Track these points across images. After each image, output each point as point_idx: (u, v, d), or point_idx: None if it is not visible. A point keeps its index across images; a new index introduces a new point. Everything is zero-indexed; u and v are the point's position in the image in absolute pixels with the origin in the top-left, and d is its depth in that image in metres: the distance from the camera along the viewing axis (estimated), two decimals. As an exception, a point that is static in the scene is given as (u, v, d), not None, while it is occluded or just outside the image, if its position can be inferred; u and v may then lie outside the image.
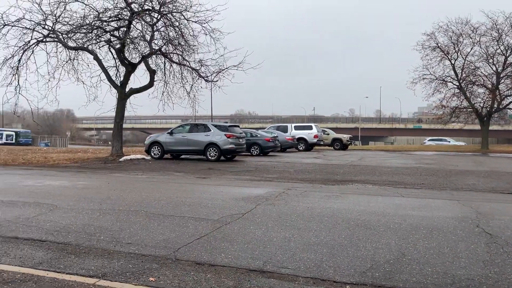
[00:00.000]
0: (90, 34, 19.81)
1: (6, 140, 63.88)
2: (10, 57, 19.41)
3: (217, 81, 20.68)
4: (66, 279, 4.41)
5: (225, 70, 20.35)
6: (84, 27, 19.43)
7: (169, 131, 21.11)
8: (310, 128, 33.11)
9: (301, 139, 32.19)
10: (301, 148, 32.04)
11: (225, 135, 19.81)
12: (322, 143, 34.22)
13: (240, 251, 5.41)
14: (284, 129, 32.50)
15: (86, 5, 19.31)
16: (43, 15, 19.20)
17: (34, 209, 7.97)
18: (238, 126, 22.84)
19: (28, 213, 7.63)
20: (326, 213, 7.88)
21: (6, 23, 18.86)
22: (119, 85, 20.89)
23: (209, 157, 19.76)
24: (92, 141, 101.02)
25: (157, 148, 20.76)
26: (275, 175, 14.56)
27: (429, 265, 4.90)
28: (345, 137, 36.80)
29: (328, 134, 36.73)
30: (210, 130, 20.08)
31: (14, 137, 65.36)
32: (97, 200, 8.93)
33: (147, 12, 19.99)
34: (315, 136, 32.32)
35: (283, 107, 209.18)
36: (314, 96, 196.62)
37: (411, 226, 6.82)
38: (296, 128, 33.19)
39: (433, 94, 42.31)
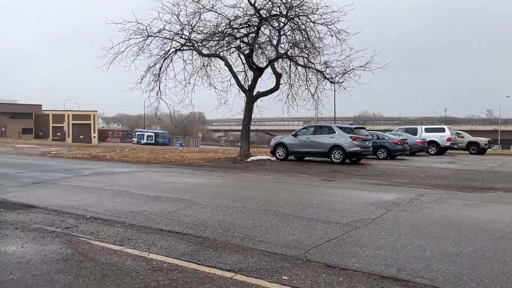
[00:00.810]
0: (222, 42, 21.01)
1: (147, 140, 70.61)
2: (153, 65, 21.43)
3: (342, 82, 20.43)
4: (206, 271, 4.73)
5: (351, 71, 20.02)
6: (217, 34, 20.65)
7: (294, 133, 21.39)
8: (442, 130, 30.95)
9: (432, 142, 30.23)
10: (432, 152, 30.10)
11: (350, 137, 19.46)
12: (456, 146, 31.72)
13: (371, 257, 5.28)
14: (414, 131, 30.83)
15: (218, 14, 20.52)
16: (180, 25, 20.87)
17: (175, 204, 8.70)
18: (364, 128, 22.27)
19: (170, 207, 8.35)
20: (465, 222, 7.31)
21: (150, 34, 20.85)
22: (247, 89, 21.79)
23: (334, 160, 19.59)
24: (220, 142, 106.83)
25: (282, 149, 21.19)
26: (405, 180, 13.91)
27: None
28: (482, 140, 33.62)
29: (462, 137, 33.93)
30: (335, 132, 19.89)
31: (153, 138, 71.97)
32: (229, 198, 9.43)
33: (275, 17, 20.54)
34: (448, 139, 30.10)
35: (411, 108, 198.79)
36: (445, 96, 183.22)
37: None
38: (427, 130, 31.27)
39: None
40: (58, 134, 70.15)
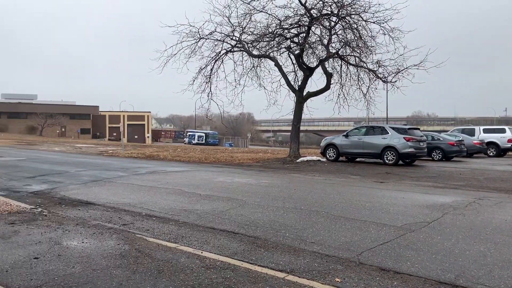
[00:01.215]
0: (272, 42, 21.06)
1: (198, 140, 72.06)
2: (204, 67, 21.82)
3: (395, 81, 19.91)
4: (258, 271, 4.75)
5: (405, 70, 19.47)
6: (267, 35, 20.72)
7: (345, 133, 21.07)
8: (503, 131, 29.43)
9: (491, 144, 28.82)
10: (491, 154, 28.70)
11: (404, 138, 18.91)
12: (517, 148, 30.06)
13: (427, 261, 5.11)
14: (471, 132, 29.53)
15: (269, 15, 20.58)
16: (231, 27, 21.11)
17: (226, 203, 8.81)
18: (418, 129, 21.58)
19: (221, 206, 8.47)
20: (529, 228, 6.92)
21: (202, 36, 21.24)
22: (297, 89, 21.70)
23: (386, 161, 19.12)
24: (269, 142, 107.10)
25: (332, 150, 20.92)
26: (461, 183, 13.36)
27: None
28: (548, 141, 31.66)
29: (525, 138, 32.10)
30: (388, 133, 19.40)
31: (204, 138, 73.35)
32: (280, 198, 9.44)
33: (326, 17, 20.34)
34: (510, 140, 28.57)
35: (466, 108, 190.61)
36: (505, 96, 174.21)
37: None
38: (486, 131, 29.85)
39: None
40: (114, 134, 73.00)
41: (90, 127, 75.86)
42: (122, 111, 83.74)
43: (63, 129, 71.34)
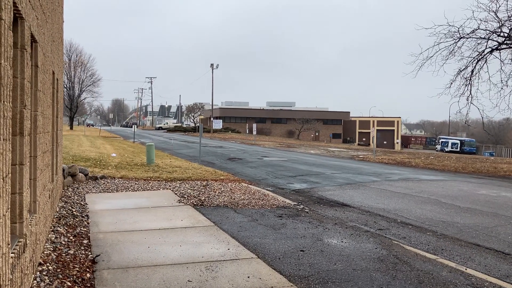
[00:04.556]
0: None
1: (451, 148, 66.82)
2: (464, 68, 20.08)
3: None
4: (539, 301, 4.11)
5: None
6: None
7: None
8: None
9: None
10: None
11: None
12: None
13: None
14: None
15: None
16: (498, 22, 18.82)
17: (492, 219, 7.91)
18: None
19: (486, 222, 7.64)
20: None
21: (462, 35, 19.62)
22: None
23: None
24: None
25: None
26: None
27: None
28: None
29: None
30: None
31: (459, 146, 67.56)
32: (562, 220, 7.93)
33: None
34: None
35: None
36: None
37: None
38: None
39: None
40: (364, 139, 74.42)
41: (341, 132, 79.27)
42: (371, 117, 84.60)
43: (317, 133, 76.62)
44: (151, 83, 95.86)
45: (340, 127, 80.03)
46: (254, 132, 44.68)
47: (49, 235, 5.56)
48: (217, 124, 56.04)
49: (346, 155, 27.88)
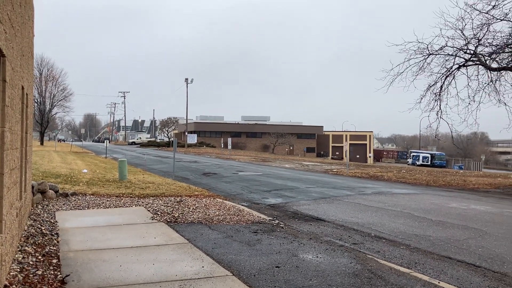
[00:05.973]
0: (515, 52, 18.56)
1: (422, 161, 68.16)
2: (433, 84, 20.59)
3: None
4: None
5: None
6: (510, 46, 18.38)
7: None
8: None
9: None
10: None
11: None
12: None
13: None
14: None
15: (512, 22, 18.23)
16: (465, 39, 19.42)
17: (463, 232, 8.06)
18: None
19: (457, 235, 7.78)
20: None
21: (431, 52, 20.16)
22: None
23: None
24: (508, 166, 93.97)
25: None
26: None
27: None
28: None
29: None
30: None
31: (429, 159, 68.96)
32: (529, 232, 8.15)
33: None
34: None
35: None
36: None
37: None
38: None
39: None
40: (337, 153, 75.31)
41: (315, 146, 79.98)
42: (344, 131, 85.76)
43: (291, 148, 77.07)
44: (124, 98, 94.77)
45: (314, 141, 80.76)
46: (229, 147, 44.61)
47: (16, 255, 5.36)
48: (192, 139, 55.74)
49: (320, 169, 28.07)
